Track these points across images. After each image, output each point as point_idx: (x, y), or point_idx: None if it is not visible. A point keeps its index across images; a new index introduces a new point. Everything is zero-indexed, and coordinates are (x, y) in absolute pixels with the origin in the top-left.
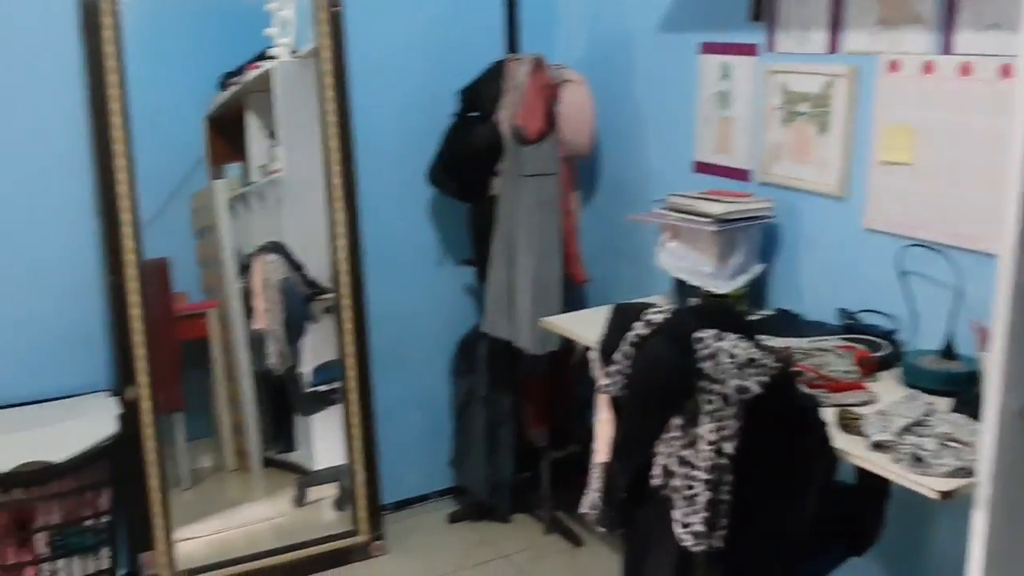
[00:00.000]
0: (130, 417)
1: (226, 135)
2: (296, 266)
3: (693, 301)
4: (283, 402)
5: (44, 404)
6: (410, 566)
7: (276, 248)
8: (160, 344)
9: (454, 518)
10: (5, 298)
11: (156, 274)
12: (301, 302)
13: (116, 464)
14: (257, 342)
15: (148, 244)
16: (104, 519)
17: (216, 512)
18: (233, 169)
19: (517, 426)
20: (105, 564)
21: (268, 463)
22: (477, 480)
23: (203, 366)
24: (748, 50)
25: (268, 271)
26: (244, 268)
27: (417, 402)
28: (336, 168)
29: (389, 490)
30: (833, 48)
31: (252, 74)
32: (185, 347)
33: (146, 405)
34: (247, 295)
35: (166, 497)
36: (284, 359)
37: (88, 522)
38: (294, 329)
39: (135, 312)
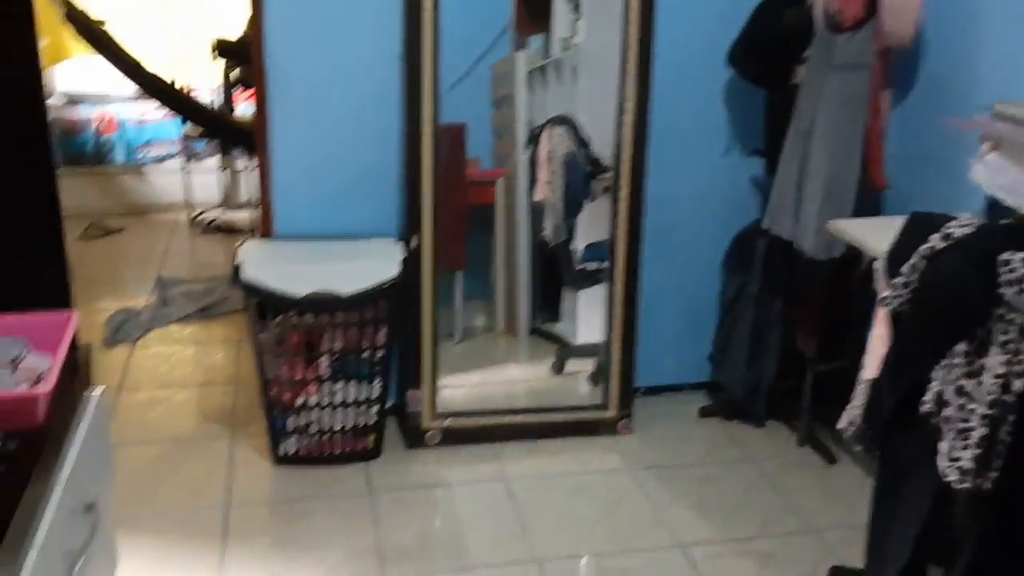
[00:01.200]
0: (412, 264)
1: (533, 5)
2: (582, 142)
3: (1006, 221)
4: (554, 275)
5: (341, 241)
6: (654, 450)
7: (565, 122)
8: (448, 204)
9: (705, 412)
10: (316, 141)
11: (452, 138)
12: (582, 178)
13: (395, 304)
14: (536, 213)
15: (448, 107)
16: (379, 353)
17: (480, 367)
18: (535, 41)
19: (786, 331)
20: (376, 393)
21: (534, 331)
22: (735, 379)
23: (487, 231)
24: None
25: (554, 144)
26: (533, 139)
27: (683, 291)
28: (632, 42)
29: (643, 374)
30: None
31: None
32: (472, 212)
33: (427, 254)
34: (533, 166)
35: (436, 342)
36: (558, 233)
37: (365, 353)
38: (572, 204)
39: (427, 167)
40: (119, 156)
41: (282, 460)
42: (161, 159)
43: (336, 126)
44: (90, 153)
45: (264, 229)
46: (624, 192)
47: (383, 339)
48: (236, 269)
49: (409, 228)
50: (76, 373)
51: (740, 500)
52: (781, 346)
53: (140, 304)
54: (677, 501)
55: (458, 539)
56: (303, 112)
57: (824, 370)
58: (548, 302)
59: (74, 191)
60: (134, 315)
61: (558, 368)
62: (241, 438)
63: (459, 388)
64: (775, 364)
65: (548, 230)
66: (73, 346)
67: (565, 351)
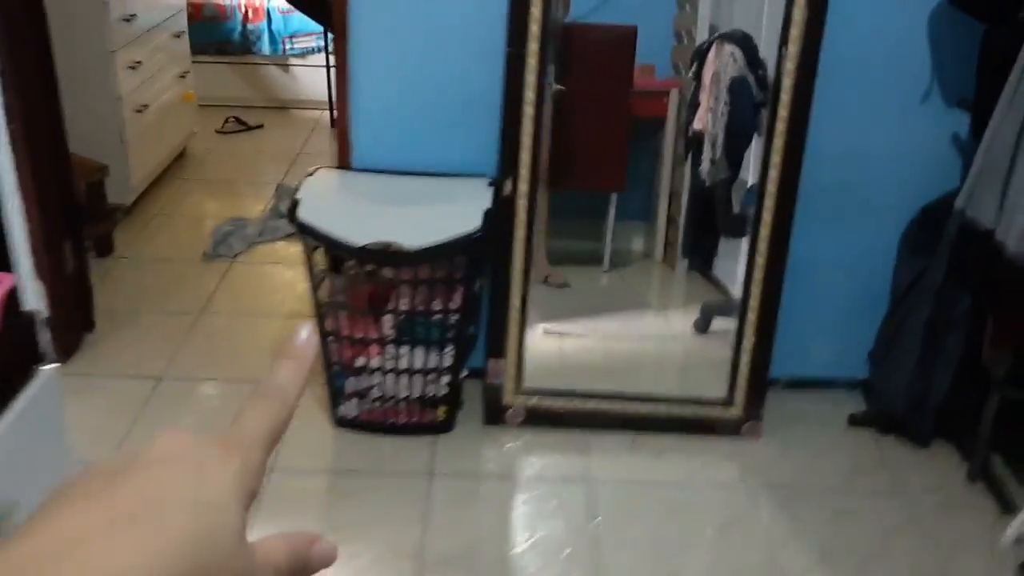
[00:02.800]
0: (504, 213)
1: None
2: (757, 63)
3: None
4: (711, 217)
5: (427, 178)
6: (783, 463)
7: (739, 38)
8: (606, 117)
9: (855, 421)
10: (408, 49)
11: (619, 43)
12: (751, 108)
13: (474, 263)
14: (696, 142)
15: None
16: (453, 317)
17: (617, 309)
18: None
19: (969, 336)
20: (448, 362)
21: (694, 269)
22: (898, 385)
23: (655, 146)
24: None
25: (723, 64)
26: (699, 56)
27: (846, 266)
28: None
29: (786, 362)
30: None
31: None
32: (642, 125)
33: (522, 203)
34: (696, 90)
35: (525, 307)
36: (716, 171)
37: (436, 316)
38: (735, 138)
39: (530, 89)
40: (264, 47)
41: (342, 423)
42: (306, 52)
43: (433, 35)
44: (236, 42)
45: (341, 157)
46: (780, 133)
47: (458, 301)
48: (294, 205)
49: (503, 169)
50: (20, 345)
51: (881, 548)
52: (962, 354)
53: (255, 212)
54: (800, 537)
55: (512, 562)
56: (393, 9)
57: (1014, 397)
58: (704, 244)
59: (217, 81)
60: (241, 226)
61: (702, 326)
62: (309, 388)
63: (570, 337)
64: (950, 375)
65: (705, 165)
66: (17, 315)
67: (709, 307)
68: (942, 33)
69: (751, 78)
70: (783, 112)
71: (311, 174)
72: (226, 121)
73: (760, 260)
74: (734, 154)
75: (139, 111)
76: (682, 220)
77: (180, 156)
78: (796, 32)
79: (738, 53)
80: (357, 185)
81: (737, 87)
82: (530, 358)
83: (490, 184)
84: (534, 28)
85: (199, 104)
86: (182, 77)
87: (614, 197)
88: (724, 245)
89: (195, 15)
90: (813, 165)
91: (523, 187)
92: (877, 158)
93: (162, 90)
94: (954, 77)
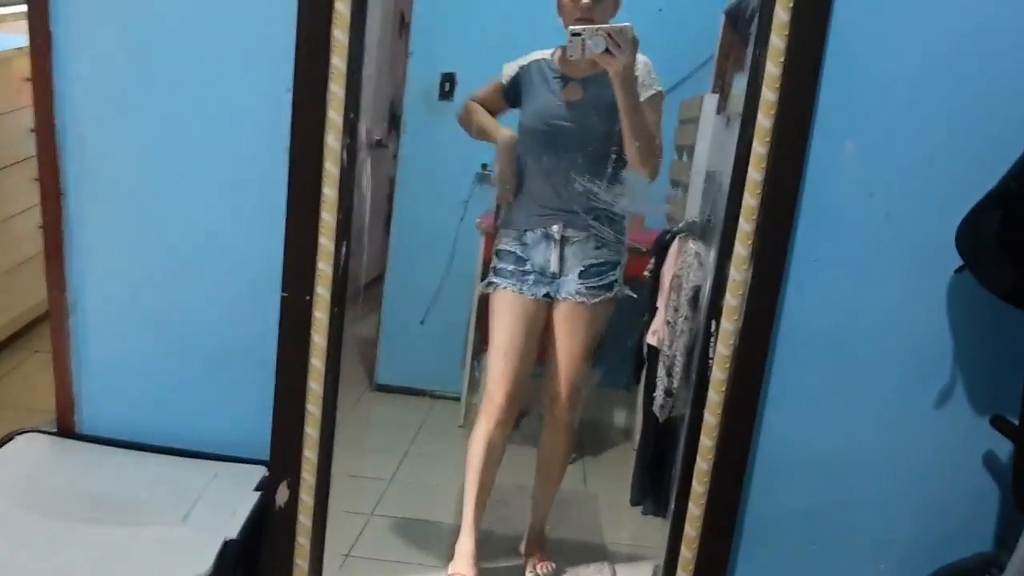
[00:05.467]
0: (268, 537)
1: (745, 39)
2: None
3: None
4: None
5: (168, 460)
6: None
7: (713, 231)
8: None
9: None
10: (149, 274)
11: None
12: None
13: None
14: (649, 362)
15: None
16: None
17: None
18: (741, 80)
19: None
20: None
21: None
22: None
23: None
24: None
25: (685, 265)
26: (661, 249)
27: None
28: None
29: None
30: None
31: None
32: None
33: (304, 522)
34: (652, 290)
35: None
36: (672, 405)
37: None
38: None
39: (318, 345)
40: None
41: None
42: None
43: (187, 253)
44: None
45: (60, 419)
46: (711, 429)
47: None
48: None
49: (277, 465)
50: None
51: None
52: None
53: None
54: None
55: None
56: (130, 222)
57: None
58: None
59: None
60: None
61: None
62: None
63: None
64: None
65: (658, 397)
66: None
67: None
68: (970, 313)
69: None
70: (715, 397)
71: (5, 441)
72: None
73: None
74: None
75: None
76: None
77: None
78: (750, 218)
79: (705, 255)
80: (63, 471)
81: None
82: None
83: (257, 487)
84: (322, 266)
85: None
86: None
87: None
88: None
89: None
90: (768, 481)
91: (307, 499)
92: (864, 479)
93: None
94: (987, 381)
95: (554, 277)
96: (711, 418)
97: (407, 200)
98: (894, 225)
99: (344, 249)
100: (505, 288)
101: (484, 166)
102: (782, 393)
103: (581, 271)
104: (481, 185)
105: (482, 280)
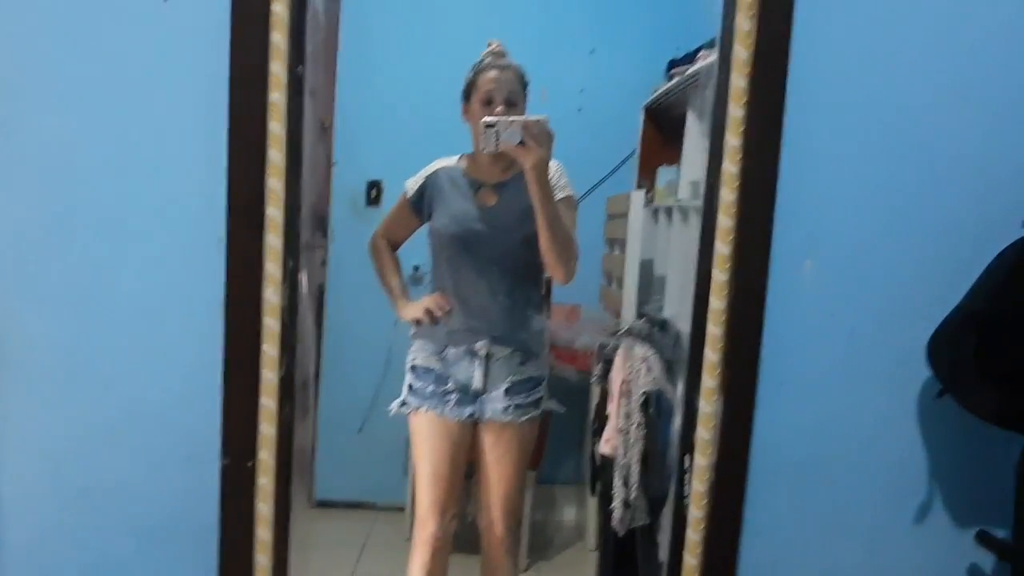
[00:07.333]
0: None
1: (668, 131)
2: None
3: None
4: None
5: None
6: None
7: (654, 332)
8: None
9: None
10: (73, 449)
11: None
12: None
13: None
14: (604, 472)
15: None
16: None
17: None
18: (667, 173)
19: None
20: None
21: None
22: None
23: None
24: None
25: (632, 372)
26: (605, 357)
27: None
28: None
29: None
30: None
31: (699, 64)
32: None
33: None
34: (602, 399)
35: None
36: (630, 516)
37: None
38: (653, 471)
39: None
40: None
41: None
42: None
43: (114, 421)
44: None
45: None
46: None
47: None
48: None
49: None
50: None
51: None
52: None
53: None
54: None
55: None
56: (49, 392)
57: None
58: None
59: None
60: None
61: None
62: None
63: None
64: None
65: (617, 509)
66: None
67: None
68: (939, 426)
69: (672, 391)
70: (694, 537)
71: None
72: None
73: None
74: (653, 491)
75: None
76: (587, 562)
77: None
78: (718, 315)
79: (653, 359)
80: None
81: (654, 405)
82: None
83: None
84: (265, 428)
85: None
86: None
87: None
88: None
89: None
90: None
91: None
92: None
93: None
94: (966, 497)
95: (477, 395)
96: (691, 559)
97: (337, 305)
98: (859, 340)
99: (289, 409)
100: (426, 411)
101: (416, 267)
102: (760, 523)
103: (507, 388)
104: (414, 287)
105: None
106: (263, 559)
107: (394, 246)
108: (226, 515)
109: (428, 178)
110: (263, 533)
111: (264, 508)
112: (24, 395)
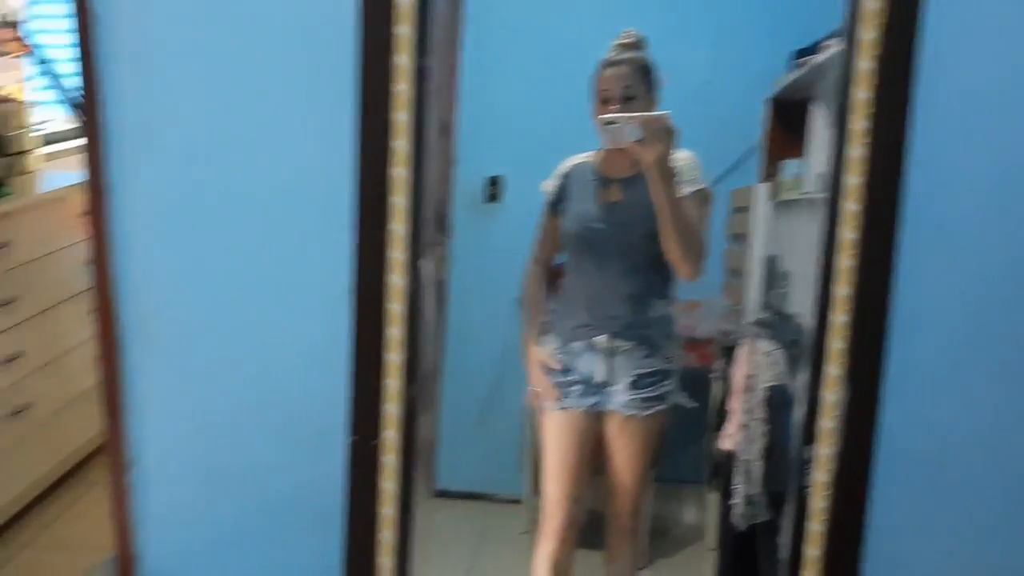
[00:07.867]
0: None
1: (793, 121)
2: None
3: None
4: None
5: None
6: None
7: (779, 328)
8: None
9: None
10: (210, 422)
11: None
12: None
13: None
14: (724, 469)
15: None
16: None
17: None
18: (792, 166)
19: None
20: None
21: None
22: None
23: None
24: None
25: (757, 365)
26: (726, 351)
27: None
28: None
29: None
30: None
31: (825, 54)
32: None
33: None
34: (723, 395)
35: None
36: (752, 512)
37: None
38: (776, 467)
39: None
40: None
41: None
42: None
43: (247, 400)
44: None
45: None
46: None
47: None
48: None
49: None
50: None
51: None
52: None
53: None
54: None
55: None
56: (188, 371)
57: None
58: None
59: None
60: None
61: None
62: None
63: None
64: None
65: (738, 504)
66: None
67: None
68: None
69: (795, 383)
70: (816, 527)
71: None
72: None
73: None
74: (776, 486)
75: None
76: (707, 561)
77: None
78: (844, 291)
79: (777, 353)
80: None
81: (777, 399)
82: None
83: None
84: (390, 408)
85: None
86: None
87: None
88: None
89: None
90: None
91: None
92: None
93: None
94: None
95: (601, 387)
96: (813, 551)
97: (457, 301)
98: (990, 330)
99: (411, 390)
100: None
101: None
102: (885, 515)
103: (632, 381)
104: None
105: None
106: (388, 535)
107: (553, 262)
108: (352, 491)
109: (563, 177)
110: (387, 510)
111: (389, 485)
112: (165, 375)
